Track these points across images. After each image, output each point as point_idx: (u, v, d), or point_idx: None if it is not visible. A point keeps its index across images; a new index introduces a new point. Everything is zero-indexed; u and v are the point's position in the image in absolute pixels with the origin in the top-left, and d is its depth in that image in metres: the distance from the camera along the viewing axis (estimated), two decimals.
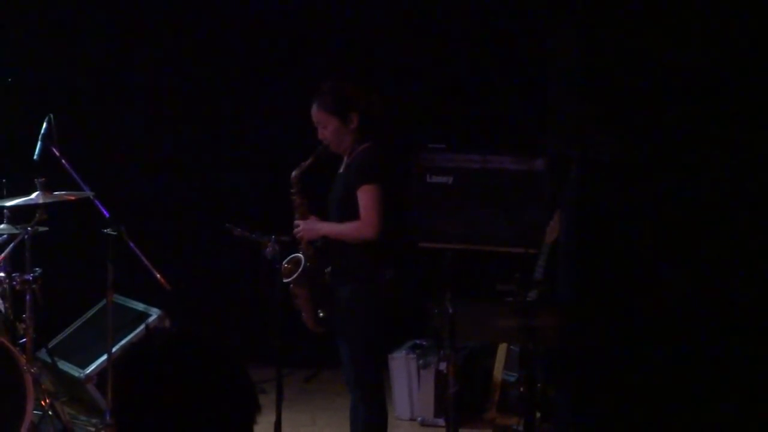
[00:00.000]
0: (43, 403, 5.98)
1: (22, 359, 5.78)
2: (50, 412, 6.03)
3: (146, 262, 6.14)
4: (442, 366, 6.48)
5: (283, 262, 5.40)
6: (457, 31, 7.84)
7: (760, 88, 4.63)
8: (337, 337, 5.38)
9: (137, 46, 8.12)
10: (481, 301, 5.43)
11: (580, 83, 4.81)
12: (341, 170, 5.40)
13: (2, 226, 6.22)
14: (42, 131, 6.19)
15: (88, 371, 6.75)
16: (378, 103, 5.37)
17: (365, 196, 5.18)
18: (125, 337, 6.81)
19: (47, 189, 6.03)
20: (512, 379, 6.21)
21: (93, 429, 6.49)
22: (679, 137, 4.68)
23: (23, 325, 6.07)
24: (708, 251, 4.70)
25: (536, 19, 6.76)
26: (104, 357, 6.55)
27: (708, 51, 4.61)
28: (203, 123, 8.26)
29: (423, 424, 6.93)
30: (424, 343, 7.17)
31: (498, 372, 6.37)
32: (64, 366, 6.90)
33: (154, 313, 6.99)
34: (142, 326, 6.83)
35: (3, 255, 6.09)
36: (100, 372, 6.68)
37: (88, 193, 6.16)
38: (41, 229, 6.15)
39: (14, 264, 6.13)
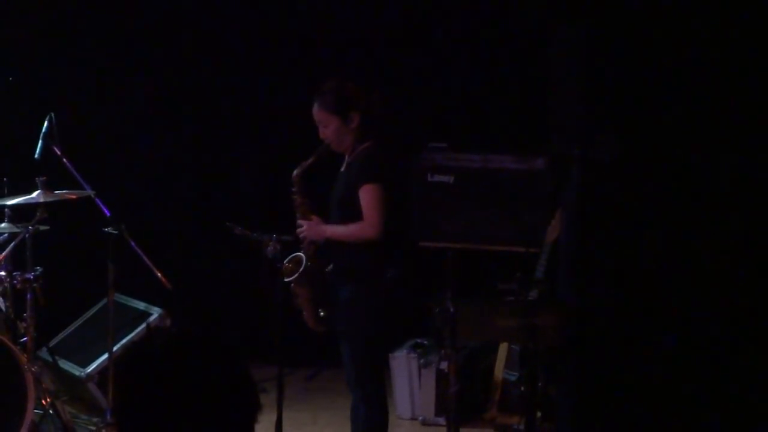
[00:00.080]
0: (43, 402, 5.99)
1: (23, 358, 5.78)
2: (51, 411, 6.04)
3: (147, 261, 6.15)
4: (443, 365, 6.49)
5: (285, 262, 5.41)
6: (457, 30, 7.84)
7: (760, 88, 4.63)
8: (338, 336, 5.38)
9: (137, 46, 8.12)
10: (482, 300, 5.43)
11: (580, 83, 4.82)
12: (342, 169, 5.41)
13: (3, 224, 6.22)
14: (43, 130, 6.20)
15: (89, 370, 6.75)
16: (379, 102, 5.37)
17: (367, 196, 5.19)
18: (126, 336, 6.81)
19: (48, 188, 6.03)
20: (513, 378, 6.21)
21: (94, 428, 6.49)
22: (679, 137, 4.69)
23: (24, 324, 6.08)
24: (708, 251, 4.71)
25: (536, 19, 6.77)
26: (105, 356, 6.55)
27: (708, 51, 4.61)
28: (203, 123, 8.26)
29: (424, 423, 6.93)
30: (425, 342, 7.17)
31: (499, 371, 6.37)
32: (65, 365, 6.90)
33: (155, 312, 6.99)
34: (143, 325, 6.84)
35: (4, 254, 6.09)
36: (101, 371, 6.69)
37: (89, 192, 6.17)
38: (42, 227, 6.15)
39: (15, 263, 6.13)
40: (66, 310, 7.40)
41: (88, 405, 6.88)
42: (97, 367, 6.74)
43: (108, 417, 6.23)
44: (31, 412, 5.73)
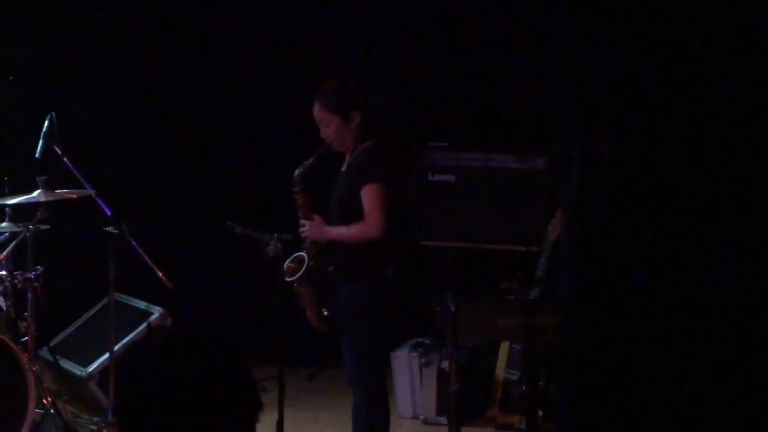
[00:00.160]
0: (44, 401, 5.99)
1: (24, 358, 5.79)
2: (52, 411, 6.04)
3: (148, 260, 6.15)
4: (444, 364, 6.49)
5: (287, 261, 5.42)
6: (458, 30, 7.85)
7: (760, 88, 4.63)
8: (340, 335, 5.39)
9: (137, 46, 8.12)
10: (483, 299, 5.44)
11: (580, 83, 4.82)
12: (343, 169, 5.41)
13: (4, 224, 6.22)
14: (44, 129, 6.20)
15: (90, 370, 6.75)
16: (379, 102, 5.38)
17: (368, 196, 5.19)
18: (127, 335, 6.81)
19: (49, 187, 6.03)
20: (514, 377, 6.22)
21: (95, 427, 6.49)
22: (679, 137, 4.69)
23: (25, 324, 6.08)
24: (708, 251, 4.71)
25: (536, 19, 6.77)
26: (106, 355, 6.56)
27: (708, 51, 4.61)
28: (203, 122, 8.26)
29: (425, 422, 6.94)
30: (426, 341, 7.17)
31: (500, 370, 6.38)
32: (66, 364, 6.90)
33: (156, 312, 6.99)
34: (144, 324, 6.84)
35: (5, 253, 6.09)
36: (102, 370, 6.69)
37: (90, 192, 6.17)
38: (43, 227, 6.15)
39: (16, 262, 6.13)
40: (67, 310, 7.41)
41: (89, 404, 6.88)
42: (98, 366, 6.74)
43: (109, 416, 6.23)
44: (32, 412, 5.74)
